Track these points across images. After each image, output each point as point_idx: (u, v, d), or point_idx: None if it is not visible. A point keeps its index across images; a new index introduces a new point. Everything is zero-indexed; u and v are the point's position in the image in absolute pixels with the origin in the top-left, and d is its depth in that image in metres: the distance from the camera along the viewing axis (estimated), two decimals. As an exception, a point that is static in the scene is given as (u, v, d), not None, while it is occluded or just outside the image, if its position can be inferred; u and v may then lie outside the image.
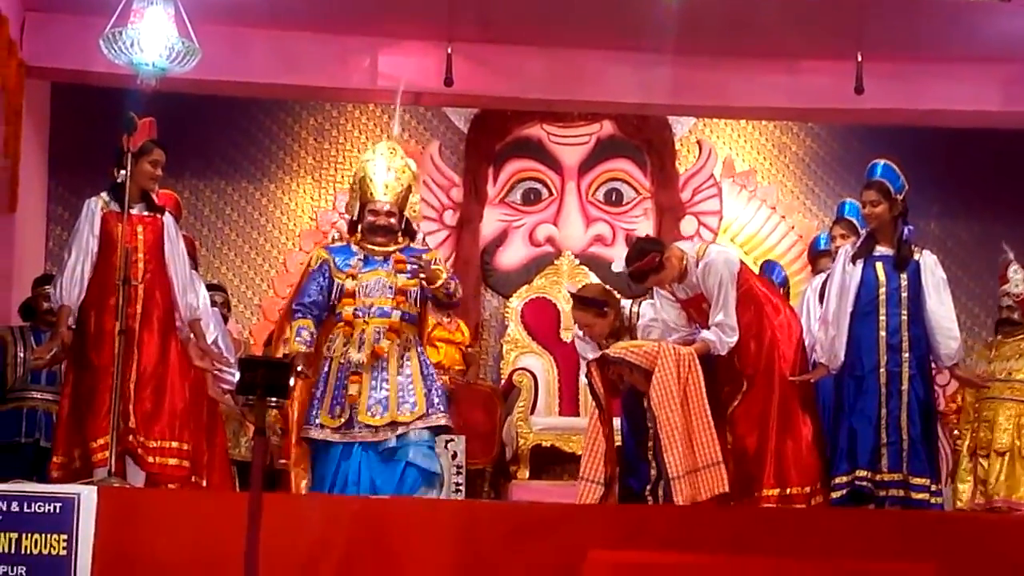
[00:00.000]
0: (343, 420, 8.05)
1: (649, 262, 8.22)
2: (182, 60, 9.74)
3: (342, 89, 12.01)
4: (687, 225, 13.12)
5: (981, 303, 12.90)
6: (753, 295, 8.37)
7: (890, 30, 10.86)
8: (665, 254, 8.27)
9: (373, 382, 8.05)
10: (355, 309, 8.15)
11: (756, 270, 12.75)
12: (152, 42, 9.63)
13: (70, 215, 12.28)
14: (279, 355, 8.14)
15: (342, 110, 13.22)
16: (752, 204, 13.38)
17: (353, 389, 8.03)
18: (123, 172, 7.84)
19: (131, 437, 7.78)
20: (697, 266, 8.25)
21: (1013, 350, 10.07)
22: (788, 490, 8.12)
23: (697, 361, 8.03)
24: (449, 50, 10.68)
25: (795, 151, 13.55)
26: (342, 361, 8.12)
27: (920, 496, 8.01)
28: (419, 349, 8.25)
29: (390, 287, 8.16)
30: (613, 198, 13.09)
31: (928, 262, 8.29)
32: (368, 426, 8.02)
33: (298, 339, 8.10)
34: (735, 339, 8.18)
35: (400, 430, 8.02)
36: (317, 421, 8.10)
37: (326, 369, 8.19)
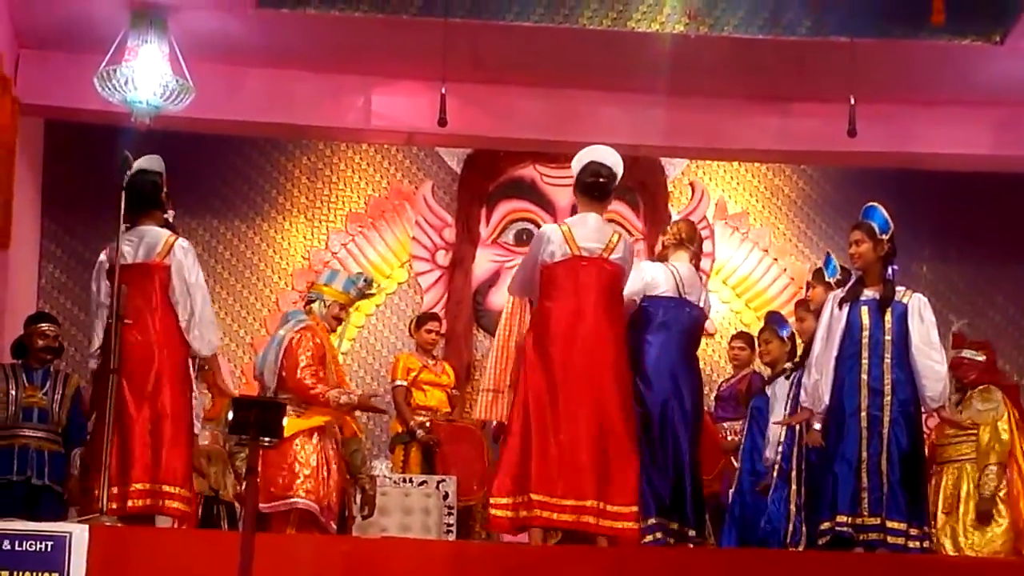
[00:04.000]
0: None
1: None
2: (176, 98, 9.79)
3: (336, 128, 12.03)
4: (679, 266, 13.09)
5: (972, 347, 12.89)
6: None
7: (883, 73, 10.89)
8: None
9: None
10: None
11: (752, 314, 12.86)
12: (146, 80, 9.69)
13: (63, 252, 12.32)
14: None
15: (335, 149, 13.22)
16: (744, 246, 13.38)
17: None
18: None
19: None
20: None
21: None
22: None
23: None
24: (443, 90, 10.68)
25: (788, 193, 13.56)
26: None
27: (896, 541, 7.96)
28: None
29: None
30: (606, 239, 13.04)
31: (916, 304, 8.28)
32: None
33: None
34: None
35: None
36: None
37: None
